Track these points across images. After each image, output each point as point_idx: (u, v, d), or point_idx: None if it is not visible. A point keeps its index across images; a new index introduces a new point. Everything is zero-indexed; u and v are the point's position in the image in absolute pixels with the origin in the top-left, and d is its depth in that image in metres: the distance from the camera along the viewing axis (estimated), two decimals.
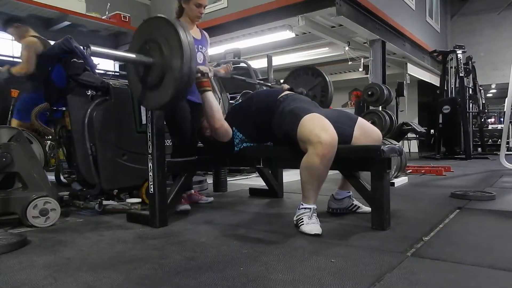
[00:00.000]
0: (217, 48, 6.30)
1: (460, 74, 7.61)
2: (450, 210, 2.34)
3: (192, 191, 2.80)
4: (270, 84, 2.95)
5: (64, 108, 2.55)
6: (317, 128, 1.83)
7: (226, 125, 2.18)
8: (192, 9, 2.44)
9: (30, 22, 6.90)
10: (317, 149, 1.78)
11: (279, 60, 7.73)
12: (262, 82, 2.98)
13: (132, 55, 1.87)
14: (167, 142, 2.64)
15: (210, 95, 2.14)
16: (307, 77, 2.95)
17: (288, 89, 2.41)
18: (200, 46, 2.50)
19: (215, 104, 2.15)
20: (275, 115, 2.09)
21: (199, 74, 2.09)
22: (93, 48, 1.66)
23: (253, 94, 2.39)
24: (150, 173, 2.04)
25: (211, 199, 2.86)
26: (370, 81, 6.47)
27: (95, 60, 2.78)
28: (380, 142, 2.13)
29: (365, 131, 2.08)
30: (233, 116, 2.29)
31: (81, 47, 2.64)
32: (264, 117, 2.14)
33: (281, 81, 3.07)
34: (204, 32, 2.63)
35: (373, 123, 3.75)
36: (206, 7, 2.50)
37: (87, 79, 2.52)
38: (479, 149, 8.77)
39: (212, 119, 2.15)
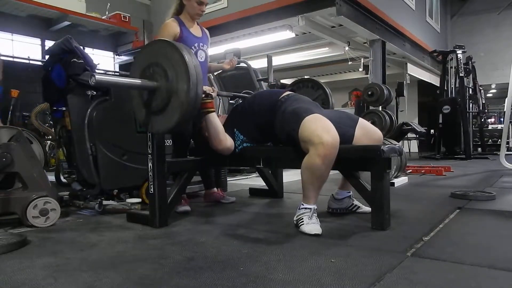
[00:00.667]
0: (217, 48, 6.30)
1: (460, 74, 7.61)
2: (450, 210, 2.34)
3: (214, 189, 2.80)
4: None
5: (64, 108, 2.55)
6: (319, 129, 1.83)
7: (229, 144, 2.17)
8: (194, 7, 2.42)
9: (30, 22, 6.93)
10: (319, 149, 1.78)
11: (279, 60, 7.73)
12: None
13: (138, 81, 1.86)
14: (167, 142, 2.65)
15: (213, 116, 2.13)
16: (307, 89, 2.95)
17: (290, 90, 2.42)
18: (201, 44, 2.49)
19: (219, 126, 2.15)
20: (277, 115, 2.09)
21: (203, 95, 2.07)
22: (98, 77, 1.65)
23: (255, 94, 2.39)
24: (150, 173, 2.04)
25: (233, 198, 2.83)
26: (370, 81, 6.47)
27: (95, 60, 2.79)
28: (381, 142, 2.12)
29: (366, 132, 2.08)
30: (234, 117, 2.29)
31: (81, 47, 2.64)
32: (265, 117, 2.14)
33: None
34: (205, 29, 2.61)
35: (373, 123, 3.75)
36: (207, 5, 2.49)
37: (87, 79, 2.52)
38: (479, 149, 8.77)
39: (216, 140, 2.15)
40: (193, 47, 2.42)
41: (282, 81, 6.89)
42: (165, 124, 1.85)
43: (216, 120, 2.14)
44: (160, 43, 1.92)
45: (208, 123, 2.13)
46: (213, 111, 2.14)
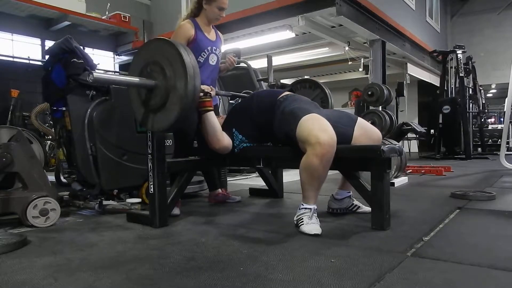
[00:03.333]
0: None
1: (460, 74, 7.61)
2: (450, 210, 2.34)
3: (219, 190, 2.80)
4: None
5: (64, 108, 2.55)
6: (316, 128, 1.84)
7: (226, 142, 2.18)
8: (214, 12, 2.42)
9: (30, 22, 6.92)
10: (316, 149, 1.78)
11: (279, 60, 7.73)
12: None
13: (136, 79, 1.87)
14: (167, 142, 2.65)
15: (211, 115, 2.13)
16: (306, 90, 2.95)
17: (289, 90, 2.41)
18: (214, 47, 2.49)
19: (217, 125, 2.15)
20: (275, 115, 2.09)
21: (202, 94, 2.07)
22: (96, 75, 1.65)
23: (254, 94, 2.39)
24: (150, 173, 2.04)
25: (239, 198, 2.84)
26: (370, 81, 6.47)
27: (95, 60, 2.78)
28: (380, 142, 2.12)
29: (365, 131, 2.08)
30: (233, 117, 2.29)
31: (81, 47, 2.64)
32: (264, 117, 2.14)
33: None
34: (219, 33, 2.62)
35: (373, 123, 3.75)
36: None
37: (86, 78, 2.52)
38: (479, 149, 8.77)
39: (213, 139, 2.15)
40: (206, 50, 2.44)
41: (282, 81, 6.87)
42: (165, 120, 1.86)
43: (214, 119, 2.14)
44: (156, 41, 1.93)
45: (205, 122, 2.13)
46: (211, 110, 2.14)
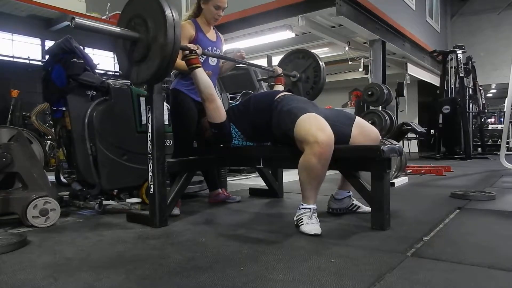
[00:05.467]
0: None
1: (460, 74, 7.62)
2: (450, 210, 2.34)
3: (219, 190, 2.80)
4: (265, 68, 2.95)
5: (64, 108, 2.55)
6: (314, 127, 1.84)
7: (218, 102, 2.18)
8: (211, 11, 2.43)
9: (30, 22, 6.92)
10: (314, 148, 1.79)
11: (279, 60, 7.72)
12: (254, 64, 2.95)
13: (117, 29, 1.92)
14: (167, 142, 2.65)
15: (200, 71, 2.14)
16: (299, 60, 2.98)
17: (287, 90, 2.41)
18: (215, 48, 2.50)
19: (207, 80, 2.15)
20: (273, 115, 2.09)
21: (187, 52, 2.10)
22: (78, 20, 1.68)
23: (251, 96, 2.40)
24: (150, 173, 2.04)
25: (239, 198, 2.85)
26: (370, 81, 6.47)
27: (95, 60, 2.78)
28: (378, 141, 2.13)
29: (363, 130, 2.09)
30: (230, 116, 2.29)
31: (81, 47, 2.64)
32: (262, 117, 2.15)
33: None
34: (220, 34, 2.62)
35: (373, 123, 3.75)
36: (224, 10, 2.48)
37: (87, 79, 2.52)
38: (479, 149, 8.77)
39: (205, 94, 2.15)
40: (206, 51, 2.43)
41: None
42: (148, 70, 1.89)
43: (204, 75, 2.14)
44: None
45: (196, 78, 2.14)
46: (199, 67, 2.14)
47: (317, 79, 2.90)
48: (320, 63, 2.90)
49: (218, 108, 2.18)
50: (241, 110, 2.27)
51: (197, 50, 2.13)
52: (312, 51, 3.01)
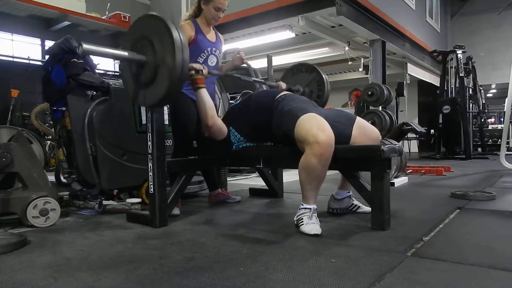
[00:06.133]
0: None
1: (460, 74, 7.61)
2: (450, 210, 2.34)
3: (219, 190, 2.80)
4: (268, 83, 2.94)
5: (64, 108, 2.55)
6: (314, 128, 1.84)
7: (219, 122, 2.18)
8: (211, 12, 2.42)
9: (30, 22, 6.91)
10: (314, 149, 1.79)
11: (279, 60, 7.72)
12: (259, 80, 2.95)
13: (125, 53, 1.90)
14: (167, 142, 2.64)
15: (203, 92, 2.15)
16: (302, 74, 2.95)
17: (287, 89, 2.41)
18: (214, 48, 2.50)
19: (209, 102, 2.16)
20: (273, 115, 2.09)
21: (193, 72, 2.09)
22: (85, 46, 1.67)
23: (252, 95, 2.39)
24: (150, 173, 2.04)
25: (239, 198, 2.85)
26: (370, 81, 6.47)
27: (95, 60, 2.78)
28: (378, 141, 2.13)
29: (364, 131, 2.09)
30: (231, 117, 2.29)
31: None
32: (262, 117, 2.14)
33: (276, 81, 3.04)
34: (220, 34, 2.62)
35: (373, 123, 3.75)
36: (224, 12, 2.48)
37: (87, 79, 2.52)
38: (479, 149, 8.77)
39: (205, 116, 2.15)
40: (206, 51, 2.44)
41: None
42: (156, 94, 1.88)
43: (206, 96, 2.15)
44: (146, 17, 1.96)
45: (198, 99, 2.15)
46: (203, 87, 2.15)
47: (321, 93, 2.88)
48: (324, 76, 2.87)
49: (220, 129, 2.18)
50: (241, 109, 2.27)
51: (203, 70, 2.14)
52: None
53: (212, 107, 2.18)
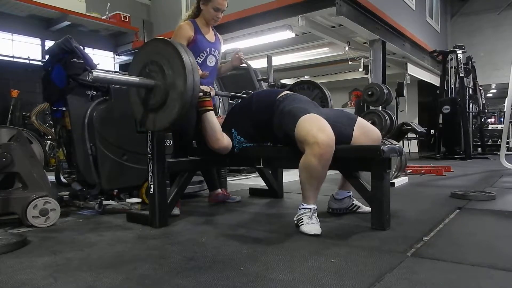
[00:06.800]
0: None
1: (460, 74, 7.61)
2: (450, 210, 2.34)
3: (219, 190, 2.80)
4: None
5: (64, 108, 2.55)
6: (314, 128, 1.83)
7: (226, 143, 2.17)
8: (210, 12, 2.43)
9: (30, 22, 6.92)
10: (314, 149, 1.79)
11: (279, 60, 7.73)
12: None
13: (135, 79, 1.87)
14: (167, 142, 2.64)
15: (211, 115, 2.13)
16: (304, 91, 2.94)
17: (288, 89, 2.41)
18: (213, 49, 2.50)
19: (216, 125, 2.15)
20: (274, 115, 2.09)
21: (201, 94, 2.07)
22: (95, 74, 1.66)
23: (253, 94, 2.39)
24: (150, 173, 2.04)
25: (239, 197, 2.85)
26: (370, 81, 6.47)
27: (95, 60, 2.78)
28: (379, 142, 2.13)
29: (365, 131, 2.08)
30: (232, 117, 2.29)
31: (81, 47, 2.64)
32: (263, 116, 2.14)
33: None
34: (219, 35, 2.62)
35: (373, 123, 3.75)
36: (223, 12, 2.48)
37: (86, 77, 2.52)
38: (479, 149, 8.77)
39: (212, 139, 2.14)
40: (205, 52, 2.45)
41: (282, 81, 6.86)
42: (167, 119, 1.85)
43: (213, 119, 2.14)
44: (154, 42, 1.94)
45: (205, 122, 2.13)
46: (211, 110, 2.14)
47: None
48: (327, 92, 2.86)
49: (226, 147, 2.18)
50: (243, 108, 2.27)
51: (211, 92, 2.14)
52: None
53: (219, 129, 2.15)
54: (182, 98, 1.76)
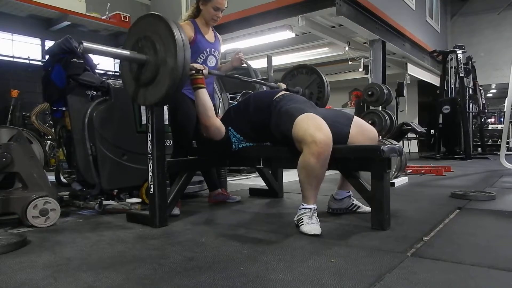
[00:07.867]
0: None
1: (460, 74, 7.61)
2: (450, 210, 2.34)
3: (219, 190, 2.80)
4: (269, 84, 2.94)
5: (64, 108, 2.55)
6: (312, 127, 1.84)
7: (218, 123, 2.18)
8: (209, 12, 2.43)
9: (30, 22, 6.91)
10: (312, 148, 1.79)
11: (279, 60, 7.73)
12: (259, 81, 2.96)
13: (126, 52, 1.90)
14: (167, 142, 2.65)
15: (203, 92, 2.14)
16: (302, 75, 2.96)
17: (285, 89, 2.41)
18: (213, 49, 2.50)
19: (208, 102, 2.15)
20: (272, 115, 2.09)
21: (194, 71, 2.09)
22: (86, 44, 1.67)
23: (251, 95, 2.40)
24: (150, 173, 2.04)
25: (239, 197, 2.85)
26: (370, 81, 6.47)
27: (95, 60, 2.78)
28: (376, 140, 2.14)
29: (362, 130, 2.09)
30: (230, 116, 2.29)
31: None
32: (261, 117, 2.15)
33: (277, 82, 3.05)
34: (218, 35, 2.62)
35: (373, 123, 3.75)
36: (223, 12, 2.48)
37: (87, 79, 2.52)
38: (479, 149, 8.77)
39: (204, 117, 2.15)
40: (205, 52, 2.44)
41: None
42: (156, 94, 1.88)
43: (205, 96, 2.14)
44: (147, 17, 1.95)
45: (197, 99, 2.14)
46: (203, 87, 2.15)
47: (321, 95, 2.88)
48: (324, 78, 2.87)
49: (218, 129, 2.18)
50: (241, 109, 2.27)
51: (203, 71, 2.14)
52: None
53: (211, 107, 2.17)
54: (172, 74, 1.78)
